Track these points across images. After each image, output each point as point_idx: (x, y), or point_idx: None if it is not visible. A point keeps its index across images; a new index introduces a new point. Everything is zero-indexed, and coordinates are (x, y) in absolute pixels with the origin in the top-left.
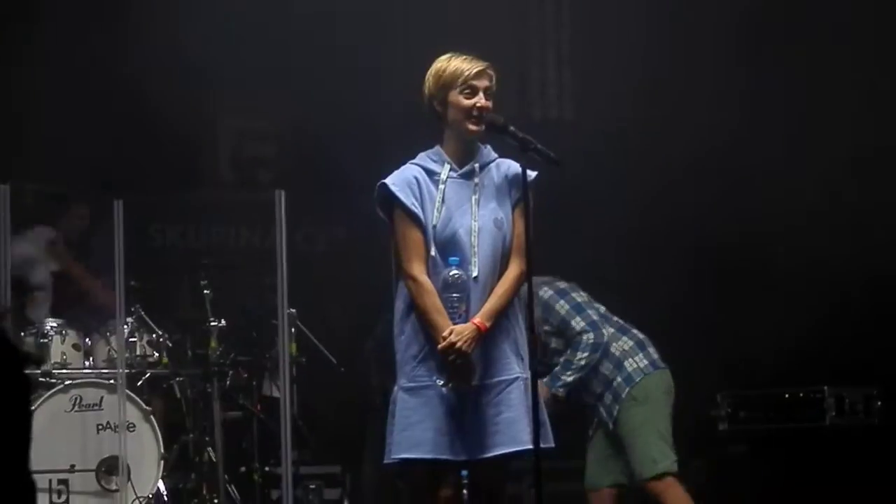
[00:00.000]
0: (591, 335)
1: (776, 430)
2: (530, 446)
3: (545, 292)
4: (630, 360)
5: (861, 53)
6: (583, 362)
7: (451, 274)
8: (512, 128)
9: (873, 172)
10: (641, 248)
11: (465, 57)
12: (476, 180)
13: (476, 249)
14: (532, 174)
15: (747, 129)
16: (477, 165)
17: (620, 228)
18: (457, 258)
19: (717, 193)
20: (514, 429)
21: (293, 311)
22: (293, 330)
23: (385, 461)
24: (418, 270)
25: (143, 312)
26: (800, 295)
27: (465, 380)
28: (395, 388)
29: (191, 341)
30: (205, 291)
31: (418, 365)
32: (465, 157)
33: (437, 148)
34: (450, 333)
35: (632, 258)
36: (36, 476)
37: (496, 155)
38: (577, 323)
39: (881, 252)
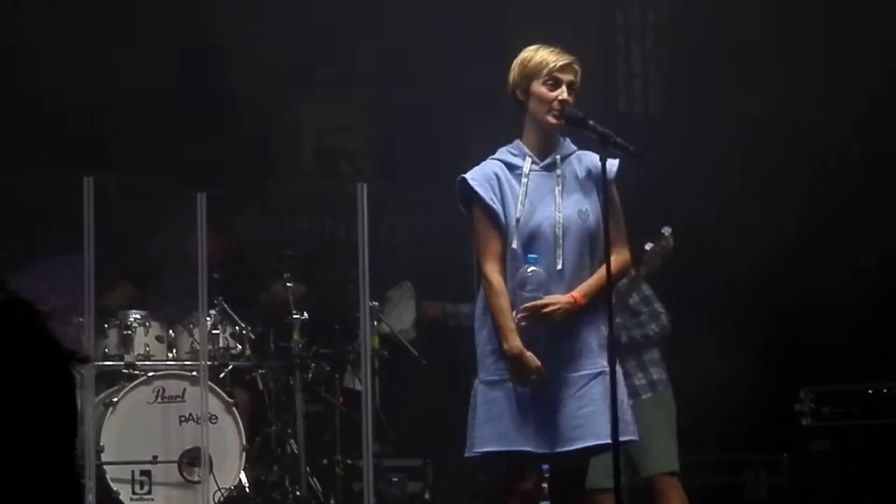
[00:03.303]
0: (667, 318)
1: (860, 426)
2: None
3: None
4: (655, 368)
5: None
6: (657, 331)
7: (528, 271)
8: (591, 122)
9: None
10: (718, 240)
11: (552, 49)
12: (558, 172)
13: (561, 241)
14: (614, 163)
15: (832, 124)
16: (558, 157)
17: (700, 216)
18: (535, 255)
19: (795, 183)
20: (595, 423)
21: (375, 304)
22: (375, 323)
23: (466, 454)
24: (491, 269)
25: (225, 304)
26: (879, 290)
27: (525, 379)
28: (476, 381)
29: (273, 334)
30: (288, 284)
31: (499, 359)
32: (545, 150)
33: (517, 142)
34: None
35: (709, 249)
36: (119, 467)
37: (575, 147)
38: (659, 305)
39: None
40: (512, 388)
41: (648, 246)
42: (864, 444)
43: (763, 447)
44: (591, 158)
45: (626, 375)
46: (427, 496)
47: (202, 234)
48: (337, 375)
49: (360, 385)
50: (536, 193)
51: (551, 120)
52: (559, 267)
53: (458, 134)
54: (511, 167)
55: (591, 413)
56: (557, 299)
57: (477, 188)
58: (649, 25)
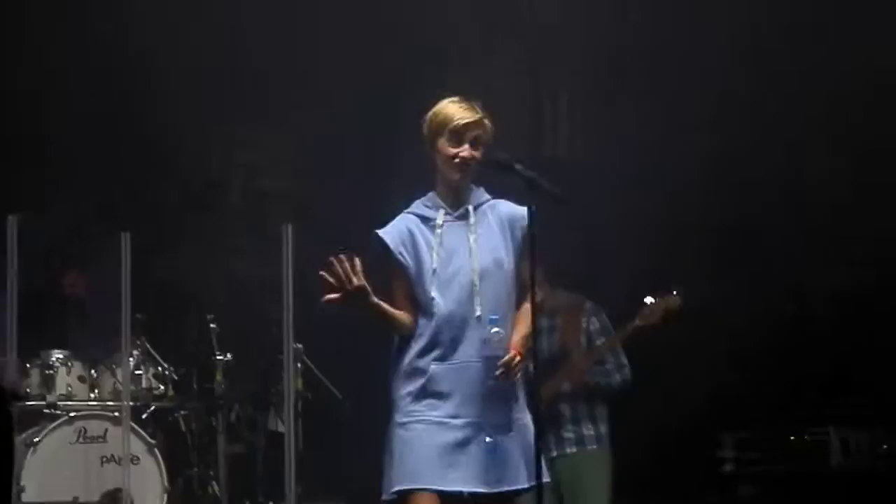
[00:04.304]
0: (629, 372)
1: (784, 472)
2: (531, 484)
3: (602, 319)
4: (604, 423)
5: None
6: (619, 382)
7: (492, 331)
8: (518, 166)
9: None
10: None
11: (461, 104)
12: (471, 221)
13: (478, 289)
14: (524, 211)
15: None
16: (471, 207)
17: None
18: (496, 316)
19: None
20: (518, 466)
21: (300, 345)
22: (299, 365)
23: (384, 497)
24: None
25: (148, 345)
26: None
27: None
28: (391, 425)
29: (196, 375)
30: (211, 325)
31: (414, 401)
32: (458, 201)
33: (432, 194)
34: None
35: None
36: None
37: (489, 196)
38: (624, 357)
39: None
40: (428, 429)
41: (649, 300)
42: (787, 490)
43: (687, 492)
44: (506, 207)
45: (574, 421)
46: None
47: (126, 273)
48: (260, 417)
49: (283, 427)
50: (451, 244)
51: (454, 176)
52: (477, 314)
53: (386, 179)
54: (425, 220)
55: (508, 458)
56: (515, 360)
57: (389, 242)
58: (577, 71)
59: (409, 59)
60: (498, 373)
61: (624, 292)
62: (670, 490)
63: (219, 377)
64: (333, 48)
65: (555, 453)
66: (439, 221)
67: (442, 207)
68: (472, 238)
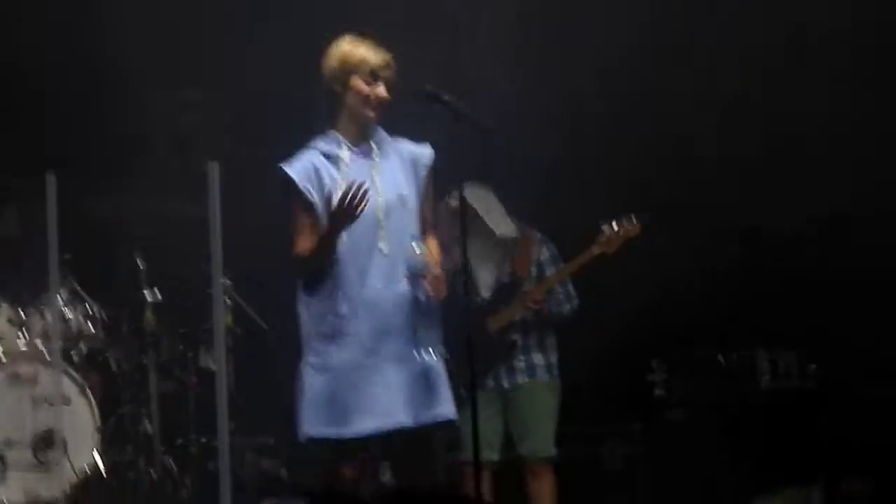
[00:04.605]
0: (577, 302)
1: (713, 395)
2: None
3: (552, 248)
4: (553, 352)
5: None
6: (568, 311)
7: (416, 249)
8: (446, 97)
9: None
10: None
11: (371, 44)
12: (375, 158)
13: (383, 224)
14: (426, 150)
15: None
16: (374, 144)
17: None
18: (414, 234)
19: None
20: (425, 398)
21: (228, 281)
22: (229, 300)
23: (299, 438)
24: (304, 247)
25: (77, 285)
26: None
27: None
28: (301, 365)
29: (126, 314)
30: (139, 263)
31: (323, 340)
32: (360, 138)
33: (332, 132)
34: None
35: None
36: None
37: (387, 135)
38: (571, 287)
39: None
40: (337, 372)
41: (607, 227)
42: (717, 413)
43: (617, 416)
44: (408, 146)
45: (525, 351)
46: (283, 473)
47: (52, 214)
48: (191, 354)
49: (214, 364)
50: (356, 179)
51: (369, 114)
52: (383, 250)
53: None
54: (328, 156)
55: (415, 390)
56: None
57: (295, 177)
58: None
59: None
60: (426, 288)
61: (576, 220)
62: (602, 416)
63: (148, 315)
64: None
65: (506, 384)
66: (344, 157)
67: (345, 144)
68: (376, 174)
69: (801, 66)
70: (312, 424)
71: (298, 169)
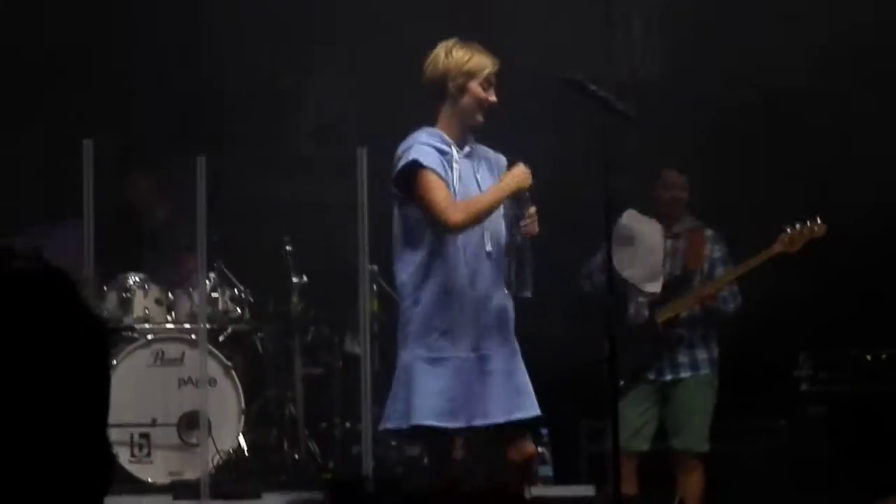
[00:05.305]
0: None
1: (858, 393)
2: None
3: (724, 247)
4: (715, 346)
5: None
6: (732, 308)
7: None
8: (592, 87)
9: None
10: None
11: (482, 49)
12: (474, 161)
13: (487, 226)
14: (504, 160)
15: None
16: (470, 146)
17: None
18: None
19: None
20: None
21: (375, 267)
22: (375, 286)
23: (403, 425)
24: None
25: (224, 268)
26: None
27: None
28: (406, 356)
29: (272, 297)
30: (287, 247)
31: (441, 336)
32: (462, 139)
33: (437, 131)
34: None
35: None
36: (117, 430)
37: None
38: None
39: None
40: (449, 367)
41: (790, 227)
42: (862, 411)
43: (762, 411)
44: (488, 151)
45: (690, 346)
46: (426, 460)
47: (202, 197)
48: (337, 339)
49: (359, 349)
50: (464, 179)
51: (480, 119)
52: (488, 248)
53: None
54: (441, 152)
55: (511, 387)
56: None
57: (430, 164)
58: None
59: None
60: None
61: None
62: (747, 410)
63: (295, 299)
64: None
65: (669, 377)
66: (455, 156)
67: (453, 144)
68: (479, 175)
69: None
70: (426, 415)
71: (426, 153)
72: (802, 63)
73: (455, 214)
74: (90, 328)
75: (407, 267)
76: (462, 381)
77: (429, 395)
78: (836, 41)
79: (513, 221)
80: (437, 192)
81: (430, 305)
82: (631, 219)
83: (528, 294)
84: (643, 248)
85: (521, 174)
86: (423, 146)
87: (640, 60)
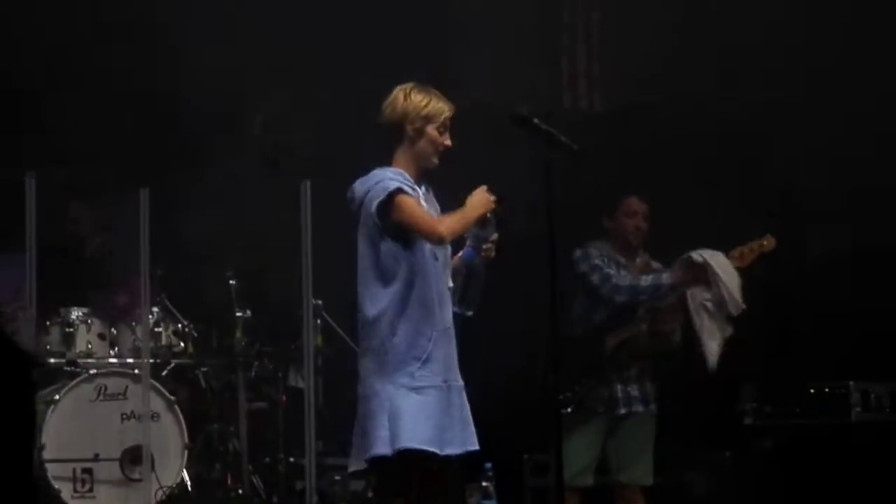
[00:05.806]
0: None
1: (801, 425)
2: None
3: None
4: (651, 383)
5: None
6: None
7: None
8: (536, 120)
9: None
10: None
11: (438, 94)
12: (430, 205)
13: (446, 262)
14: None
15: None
16: (427, 188)
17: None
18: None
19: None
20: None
21: (319, 301)
22: (318, 321)
23: (388, 452)
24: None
25: (168, 302)
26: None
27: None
28: (388, 386)
29: (216, 331)
30: (230, 281)
31: (423, 366)
32: (418, 179)
33: (401, 171)
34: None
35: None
36: (60, 465)
37: None
38: None
39: None
40: (428, 394)
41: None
42: (806, 444)
43: (705, 444)
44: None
45: (639, 379)
46: (369, 495)
47: (145, 229)
48: (280, 373)
49: (303, 383)
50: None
51: (436, 161)
52: (450, 284)
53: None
54: (412, 189)
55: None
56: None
57: (410, 193)
58: (594, 25)
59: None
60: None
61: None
62: (693, 441)
63: (238, 333)
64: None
65: (623, 411)
66: (420, 195)
67: (413, 184)
68: (434, 214)
69: None
70: (415, 440)
71: (403, 183)
72: (755, 88)
73: (442, 227)
74: (11, 363)
75: (378, 301)
76: (441, 410)
77: (418, 421)
78: (790, 60)
79: (475, 243)
80: (422, 210)
81: (409, 336)
82: (705, 255)
83: (469, 313)
84: (727, 275)
85: (484, 197)
86: (394, 180)
87: (591, 94)
